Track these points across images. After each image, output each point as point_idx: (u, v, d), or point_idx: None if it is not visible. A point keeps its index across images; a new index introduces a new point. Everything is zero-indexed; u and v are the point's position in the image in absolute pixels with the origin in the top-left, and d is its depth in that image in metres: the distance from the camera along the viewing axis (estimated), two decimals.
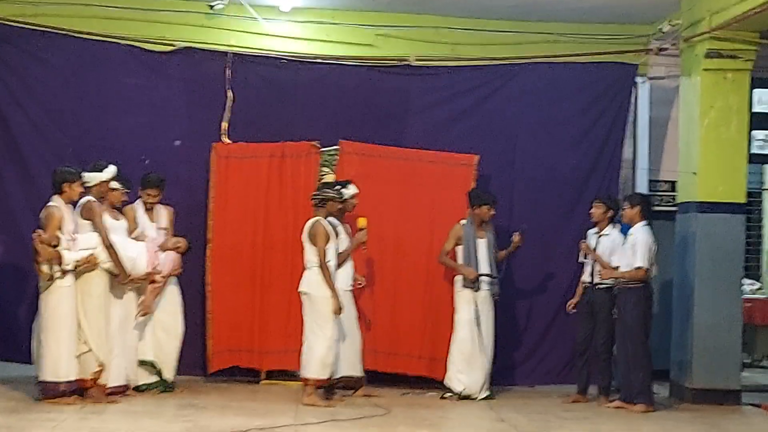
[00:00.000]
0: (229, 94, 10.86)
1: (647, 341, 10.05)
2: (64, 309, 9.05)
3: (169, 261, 9.94)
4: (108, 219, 9.50)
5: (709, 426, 9.45)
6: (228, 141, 10.83)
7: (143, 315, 9.82)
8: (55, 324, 9.03)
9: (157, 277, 9.84)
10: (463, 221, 10.40)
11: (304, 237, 9.61)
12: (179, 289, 10.16)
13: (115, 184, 9.59)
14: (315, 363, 9.56)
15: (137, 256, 9.58)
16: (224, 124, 10.88)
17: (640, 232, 10.03)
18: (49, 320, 9.04)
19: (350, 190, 10.09)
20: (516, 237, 10.55)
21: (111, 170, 9.47)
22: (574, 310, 10.61)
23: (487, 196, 10.39)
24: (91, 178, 9.35)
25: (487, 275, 10.30)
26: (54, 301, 9.04)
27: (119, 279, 9.40)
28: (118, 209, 9.81)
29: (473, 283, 10.25)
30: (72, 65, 10.98)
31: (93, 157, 9.79)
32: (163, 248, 9.94)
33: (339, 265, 9.86)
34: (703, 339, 10.64)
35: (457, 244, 10.40)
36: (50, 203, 9.11)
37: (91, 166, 9.44)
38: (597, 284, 10.37)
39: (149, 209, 10.12)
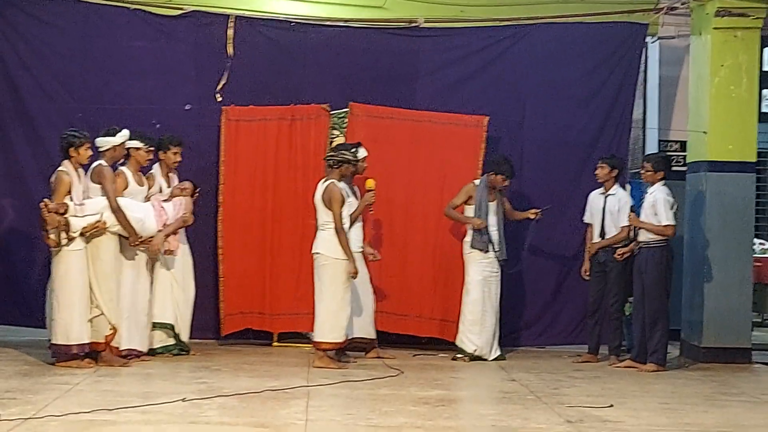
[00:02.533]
0: (230, 51, 10.77)
1: (667, 301, 10.07)
2: (75, 272, 9.08)
3: (178, 206, 9.92)
4: (132, 183, 9.57)
5: (720, 384, 9.49)
6: (220, 98, 10.76)
7: (154, 256, 9.81)
8: (66, 287, 9.07)
9: (187, 215, 9.89)
10: (477, 181, 10.42)
11: (318, 199, 9.62)
12: (190, 251, 10.20)
13: (137, 143, 9.61)
14: (327, 327, 9.59)
15: (144, 216, 9.57)
16: (221, 83, 10.82)
17: (657, 191, 10.03)
18: (61, 284, 9.08)
19: (361, 153, 10.09)
20: (533, 213, 10.55)
21: (123, 134, 9.48)
22: (588, 276, 10.63)
23: (505, 168, 10.33)
24: (104, 142, 9.37)
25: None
26: (65, 265, 9.07)
27: (130, 241, 9.42)
28: (143, 173, 9.83)
29: (482, 243, 10.26)
30: (80, 29, 10.96)
31: (102, 122, 9.79)
32: (171, 196, 9.94)
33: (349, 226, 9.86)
34: (713, 298, 10.67)
35: (466, 203, 10.40)
36: (60, 168, 9.12)
37: (104, 131, 9.45)
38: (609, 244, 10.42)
39: (171, 172, 10.10)
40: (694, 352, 10.78)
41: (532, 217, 10.58)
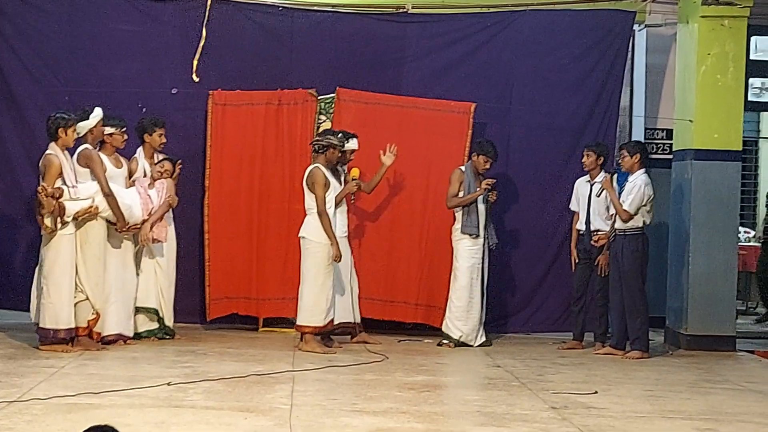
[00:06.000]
0: (204, 33, 10.76)
1: (644, 288, 10.11)
2: (65, 257, 9.05)
3: (162, 191, 9.89)
4: (109, 166, 9.51)
5: (704, 371, 9.53)
6: (197, 79, 10.74)
7: (145, 244, 9.80)
8: (56, 271, 9.03)
9: (171, 200, 9.87)
10: (462, 167, 10.42)
11: (304, 183, 9.63)
12: (176, 235, 10.19)
13: (110, 129, 9.56)
14: (309, 310, 9.62)
15: (132, 203, 9.56)
16: (195, 62, 10.77)
17: (638, 179, 10.06)
18: (51, 268, 9.03)
19: (352, 144, 10.05)
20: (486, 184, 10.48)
21: (97, 114, 9.38)
22: (577, 260, 10.64)
23: (489, 149, 10.34)
24: (81, 127, 9.29)
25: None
26: (55, 250, 9.03)
27: (118, 227, 9.39)
28: (120, 154, 9.79)
29: (472, 228, 10.26)
30: (67, 12, 10.91)
31: (89, 105, 9.73)
32: (153, 178, 9.89)
33: None
34: (698, 286, 10.70)
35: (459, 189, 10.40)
36: (48, 151, 9.07)
37: (78, 115, 9.34)
38: (594, 231, 10.41)
39: (156, 153, 10.06)
40: (678, 339, 10.82)
41: (487, 186, 10.44)
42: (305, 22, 11.24)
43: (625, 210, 9.96)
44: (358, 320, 10.31)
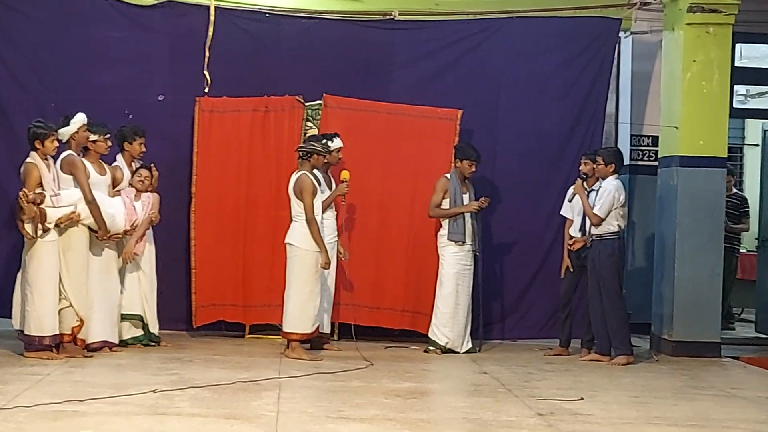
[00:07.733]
0: (207, 45, 10.82)
1: (621, 291, 10.15)
2: (48, 264, 9.02)
3: (147, 204, 9.88)
4: (93, 173, 9.48)
5: (689, 378, 9.56)
6: (206, 91, 10.78)
7: (130, 261, 9.81)
8: (39, 279, 9.00)
9: (153, 216, 9.85)
10: (448, 175, 10.43)
11: (290, 190, 9.63)
12: (154, 242, 10.16)
13: (93, 136, 9.53)
14: (297, 317, 9.61)
15: (115, 212, 9.53)
16: (206, 73, 10.81)
17: (609, 184, 10.11)
18: (34, 275, 9.01)
19: (336, 143, 10.09)
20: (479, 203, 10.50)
21: (78, 120, 9.33)
22: (571, 272, 10.61)
23: (471, 152, 10.38)
24: (62, 133, 9.24)
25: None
26: (38, 257, 9.00)
27: (99, 235, 9.36)
28: (104, 161, 9.76)
29: (458, 235, 10.27)
30: (54, 19, 10.88)
31: (76, 112, 9.72)
32: (138, 189, 9.87)
33: None
34: (683, 292, 10.73)
35: (443, 197, 10.41)
36: (27, 159, 9.03)
37: (61, 122, 9.30)
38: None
39: (134, 161, 10.05)
40: (664, 345, 10.84)
41: (474, 210, 10.46)
42: (292, 29, 11.26)
43: (595, 214, 10.02)
44: (328, 330, 10.38)
